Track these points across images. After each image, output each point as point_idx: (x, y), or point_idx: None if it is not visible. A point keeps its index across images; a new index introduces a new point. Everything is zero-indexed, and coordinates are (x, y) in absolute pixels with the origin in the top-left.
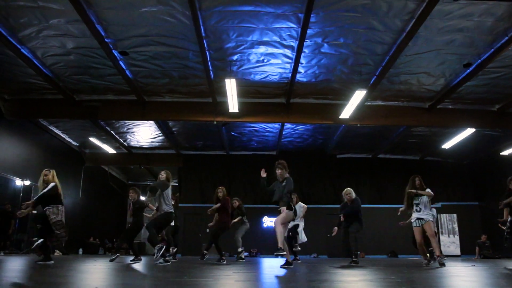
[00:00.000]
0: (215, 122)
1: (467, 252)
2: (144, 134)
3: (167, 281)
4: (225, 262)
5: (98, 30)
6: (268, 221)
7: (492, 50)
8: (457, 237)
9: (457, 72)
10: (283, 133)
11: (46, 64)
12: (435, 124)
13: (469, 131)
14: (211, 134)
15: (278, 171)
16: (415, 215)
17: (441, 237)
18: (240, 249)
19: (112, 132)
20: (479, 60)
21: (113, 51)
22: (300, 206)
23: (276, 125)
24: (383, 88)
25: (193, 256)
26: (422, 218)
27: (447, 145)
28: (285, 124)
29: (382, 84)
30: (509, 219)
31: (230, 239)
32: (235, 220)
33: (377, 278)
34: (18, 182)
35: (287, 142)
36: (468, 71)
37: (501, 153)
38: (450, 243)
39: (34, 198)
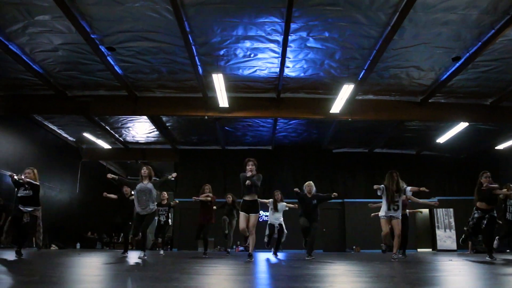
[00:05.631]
0: (206, 117)
1: (464, 246)
2: (139, 129)
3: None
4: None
5: (83, 26)
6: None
7: (480, 43)
8: (453, 231)
9: (447, 66)
10: (277, 127)
11: (36, 60)
12: (428, 118)
13: (462, 125)
14: (206, 129)
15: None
16: (389, 213)
17: (437, 232)
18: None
19: (106, 127)
20: (468, 54)
21: (100, 46)
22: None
23: (269, 120)
24: (373, 82)
25: (189, 251)
26: (393, 216)
27: (442, 139)
28: (278, 118)
29: (372, 78)
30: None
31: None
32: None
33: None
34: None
35: (282, 136)
36: (457, 64)
37: (496, 147)
38: (446, 237)
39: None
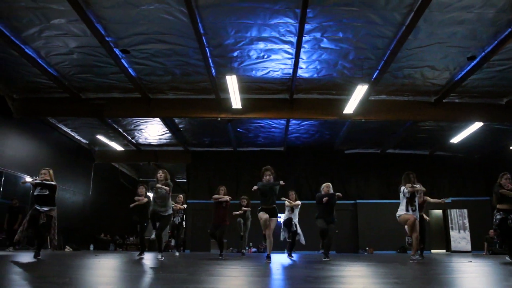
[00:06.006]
0: (219, 119)
1: (478, 247)
2: (151, 131)
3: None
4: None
5: (98, 29)
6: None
7: (496, 42)
8: (467, 232)
9: (462, 65)
10: (289, 128)
11: (51, 64)
12: (442, 118)
13: (477, 125)
14: (218, 131)
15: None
16: (409, 212)
17: (451, 233)
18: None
19: (119, 129)
20: (483, 53)
21: (115, 49)
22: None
23: (282, 121)
24: (387, 82)
25: (203, 252)
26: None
27: (456, 139)
28: (291, 120)
29: (386, 79)
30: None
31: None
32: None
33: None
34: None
35: (294, 137)
36: (473, 64)
37: (511, 147)
38: (460, 238)
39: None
